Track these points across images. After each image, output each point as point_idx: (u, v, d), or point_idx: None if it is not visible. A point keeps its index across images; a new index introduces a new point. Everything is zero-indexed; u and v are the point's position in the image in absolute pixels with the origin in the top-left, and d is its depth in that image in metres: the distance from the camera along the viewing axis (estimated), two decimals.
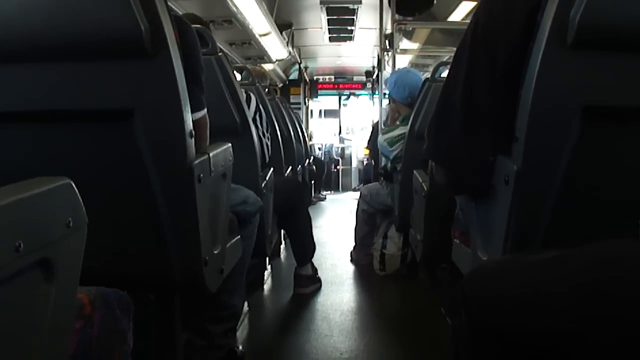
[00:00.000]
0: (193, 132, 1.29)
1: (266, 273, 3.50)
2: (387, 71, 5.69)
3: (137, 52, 1.18)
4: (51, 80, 1.23)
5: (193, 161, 1.29)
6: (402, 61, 7.37)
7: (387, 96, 4.16)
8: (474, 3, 5.13)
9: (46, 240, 0.67)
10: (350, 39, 8.09)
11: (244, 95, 2.38)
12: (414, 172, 2.47)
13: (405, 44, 6.72)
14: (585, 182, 1.14)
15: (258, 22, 5.27)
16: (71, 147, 1.30)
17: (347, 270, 3.87)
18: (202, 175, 1.33)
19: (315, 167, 7.60)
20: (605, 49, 1.05)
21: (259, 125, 2.60)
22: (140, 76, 1.22)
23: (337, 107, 12.58)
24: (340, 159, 11.61)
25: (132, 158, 1.25)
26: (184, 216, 1.32)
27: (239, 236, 1.85)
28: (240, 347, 2.18)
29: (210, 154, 1.42)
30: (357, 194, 5.06)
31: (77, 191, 0.73)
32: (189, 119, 1.26)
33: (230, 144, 1.65)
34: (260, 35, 5.66)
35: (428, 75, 3.04)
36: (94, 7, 1.15)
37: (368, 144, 6.42)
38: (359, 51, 9.19)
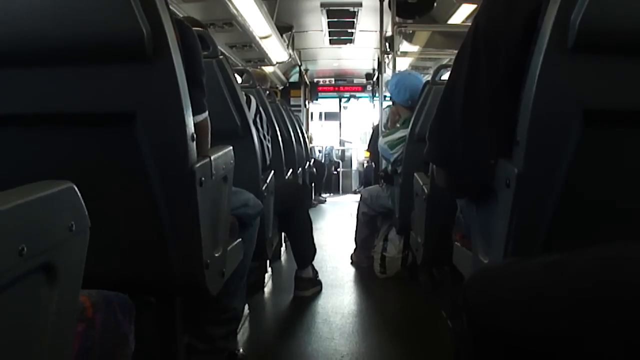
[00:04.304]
0: (194, 136, 1.29)
1: (267, 276, 3.50)
2: (388, 74, 5.71)
3: (139, 55, 1.18)
4: (52, 83, 1.23)
5: (194, 164, 1.29)
6: (403, 64, 7.38)
7: (387, 98, 4.15)
8: (474, 6, 5.13)
9: (49, 244, 0.67)
10: (351, 41, 8.11)
11: (244, 97, 2.38)
12: (415, 174, 2.47)
13: (405, 46, 6.73)
14: (586, 185, 1.14)
15: (258, 24, 5.27)
16: (72, 150, 1.30)
17: (348, 272, 3.87)
18: (203, 178, 1.33)
19: (316, 170, 7.60)
20: (605, 52, 1.05)
21: (260, 127, 2.60)
22: (141, 80, 1.22)
23: (338, 110, 12.58)
24: (340, 162, 11.60)
25: (133, 161, 1.25)
26: (185, 219, 1.32)
27: (240, 239, 1.85)
28: (241, 350, 2.19)
29: (212, 157, 1.42)
30: (357, 197, 5.06)
31: (79, 195, 0.73)
32: (190, 122, 1.26)
33: (231, 147, 1.65)
34: (261, 38, 5.67)
35: (428, 77, 3.03)
36: (96, 11, 1.15)
37: (368, 146, 6.43)
38: (359, 54, 9.20)
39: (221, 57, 2.19)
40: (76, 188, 0.73)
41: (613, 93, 1.08)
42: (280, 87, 9.84)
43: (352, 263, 4.05)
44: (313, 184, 7.52)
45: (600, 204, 1.17)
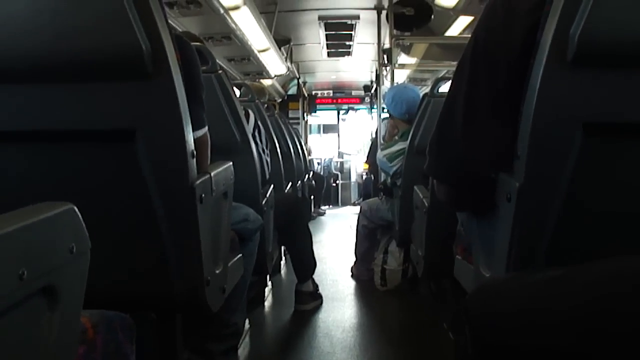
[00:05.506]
0: (195, 152, 1.28)
1: (267, 290, 3.49)
2: (386, 86, 5.72)
3: (139, 72, 1.17)
4: (52, 100, 1.23)
5: (195, 181, 1.29)
6: (401, 76, 7.40)
7: (385, 111, 4.16)
8: (472, 17, 5.15)
9: (50, 267, 0.67)
10: (349, 54, 8.13)
11: (243, 112, 2.39)
12: (415, 187, 2.47)
13: (403, 58, 6.75)
14: (587, 198, 1.14)
15: (257, 38, 5.29)
16: (72, 167, 1.30)
17: (348, 286, 3.86)
18: (203, 195, 1.33)
19: (315, 182, 7.60)
20: (605, 65, 1.05)
21: (259, 141, 2.60)
22: (141, 97, 1.21)
23: (336, 122, 12.60)
24: (339, 174, 11.61)
25: (133, 179, 1.24)
26: (185, 236, 1.32)
27: (241, 255, 1.84)
28: None
29: (212, 174, 1.42)
30: (356, 209, 5.04)
31: (80, 216, 0.73)
32: (190, 139, 1.26)
33: (231, 163, 1.65)
34: (259, 51, 5.69)
35: (426, 89, 3.04)
36: (95, 28, 1.15)
37: (367, 158, 6.44)
38: (357, 66, 9.22)
39: (220, 72, 2.19)
40: (76, 209, 0.72)
41: (613, 106, 1.08)
42: (279, 100, 9.86)
43: (352, 276, 4.04)
44: (312, 197, 7.51)
45: (601, 216, 1.16)
